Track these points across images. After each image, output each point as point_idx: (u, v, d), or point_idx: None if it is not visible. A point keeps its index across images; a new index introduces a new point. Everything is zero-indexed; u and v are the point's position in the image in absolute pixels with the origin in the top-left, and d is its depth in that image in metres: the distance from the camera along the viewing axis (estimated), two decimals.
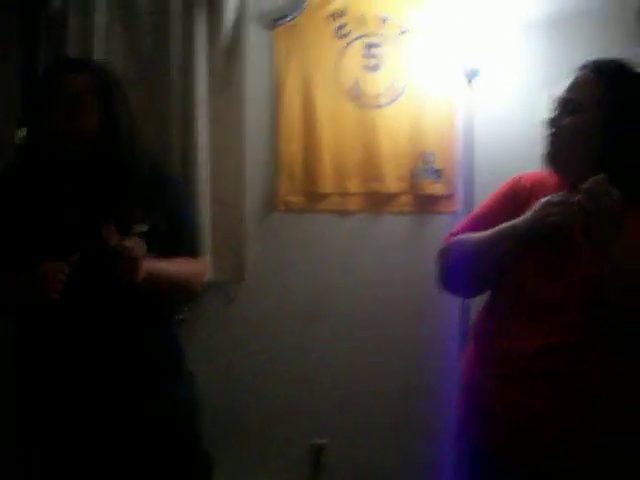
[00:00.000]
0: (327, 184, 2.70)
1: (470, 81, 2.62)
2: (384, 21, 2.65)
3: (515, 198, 1.74)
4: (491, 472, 1.64)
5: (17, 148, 2.00)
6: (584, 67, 1.66)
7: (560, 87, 1.68)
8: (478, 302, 1.85)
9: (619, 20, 2.76)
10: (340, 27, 2.64)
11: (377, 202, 2.75)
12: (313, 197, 2.72)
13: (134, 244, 1.75)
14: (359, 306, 2.77)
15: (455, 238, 1.79)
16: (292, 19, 2.62)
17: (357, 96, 2.67)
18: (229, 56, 2.56)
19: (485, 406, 1.65)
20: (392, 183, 2.72)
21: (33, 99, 1.88)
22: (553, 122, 1.66)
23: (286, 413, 2.78)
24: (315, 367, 2.78)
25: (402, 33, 2.66)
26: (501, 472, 1.61)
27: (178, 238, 1.94)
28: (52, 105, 1.80)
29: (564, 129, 1.63)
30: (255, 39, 2.62)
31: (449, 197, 2.74)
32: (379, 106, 2.68)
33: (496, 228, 1.66)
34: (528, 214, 1.60)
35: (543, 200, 1.59)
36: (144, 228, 1.80)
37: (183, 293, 2.02)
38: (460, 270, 1.75)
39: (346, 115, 2.67)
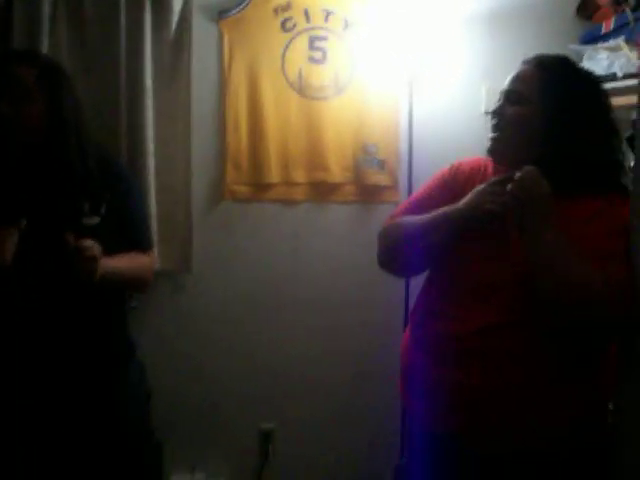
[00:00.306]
0: (273, 174, 2.73)
1: (412, 75, 2.70)
2: (328, 15, 2.70)
3: (453, 183, 1.81)
4: (433, 447, 1.73)
5: None
6: (528, 61, 1.73)
7: (503, 80, 1.74)
8: (420, 287, 1.92)
9: (559, 16, 2.87)
10: (285, 21, 2.67)
11: (322, 192, 2.80)
12: (260, 187, 2.75)
13: (92, 244, 1.77)
14: (306, 293, 2.83)
15: (395, 220, 1.85)
16: (238, 12, 2.64)
17: (302, 88, 2.71)
18: (175, 48, 2.56)
19: (423, 385, 1.72)
20: (337, 173, 2.77)
21: None
22: (496, 112, 1.72)
23: (235, 399, 2.82)
24: (263, 353, 2.82)
25: (346, 27, 2.71)
26: (442, 447, 1.70)
27: (129, 230, 1.98)
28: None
29: (507, 119, 1.69)
30: (201, 31, 2.63)
31: (392, 187, 2.82)
32: (324, 98, 2.73)
33: (434, 212, 1.72)
34: (465, 200, 1.67)
35: (479, 188, 1.66)
36: (95, 220, 1.83)
37: (135, 287, 2.08)
38: (399, 251, 1.82)
39: (291, 107, 2.71)
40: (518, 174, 1.56)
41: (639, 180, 1.53)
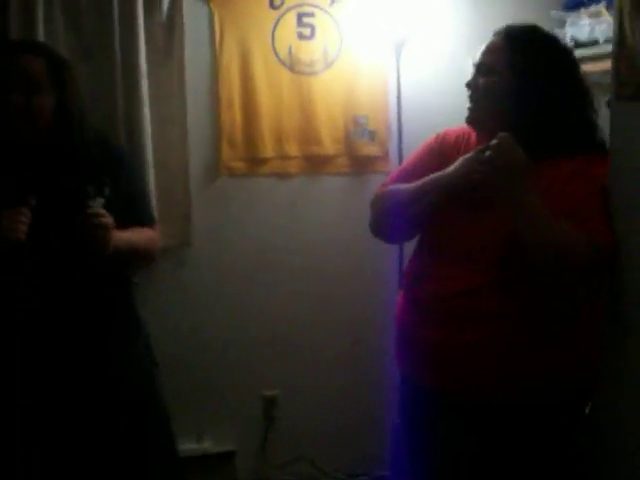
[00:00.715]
0: (267, 149, 2.80)
1: (399, 48, 2.76)
2: None
3: (441, 151, 1.88)
4: (419, 398, 1.84)
5: None
6: (497, 33, 1.79)
7: (477, 52, 1.81)
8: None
9: None
10: None
11: (315, 164, 2.87)
12: (254, 162, 2.81)
13: (104, 212, 1.84)
14: (303, 262, 2.90)
15: (386, 188, 1.93)
16: None
17: (292, 64, 2.77)
18: (168, 29, 2.61)
19: (414, 343, 1.82)
20: (329, 146, 2.85)
21: None
22: (470, 84, 1.80)
23: (238, 368, 2.89)
24: (264, 322, 2.90)
25: (333, 2, 2.77)
26: (431, 399, 1.79)
27: (133, 208, 2.04)
28: (8, 86, 1.85)
29: (479, 90, 1.77)
30: (192, 11, 2.67)
31: (383, 158, 2.90)
32: (314, 73, 2.79)
33: (422, 180, 1.79)
34: (451, 168, 1.74)
35: (466, 156, 1.73)
36: (100, 202, 1.88)
37: (142, 260, 2.17)
38: (390, 218, 1.90)
39: (283, 82, 2.77)
40: (494, 141, 1.62)
41: (616, 149, 1.60)
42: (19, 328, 1.91)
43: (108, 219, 1.86)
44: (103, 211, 1.86)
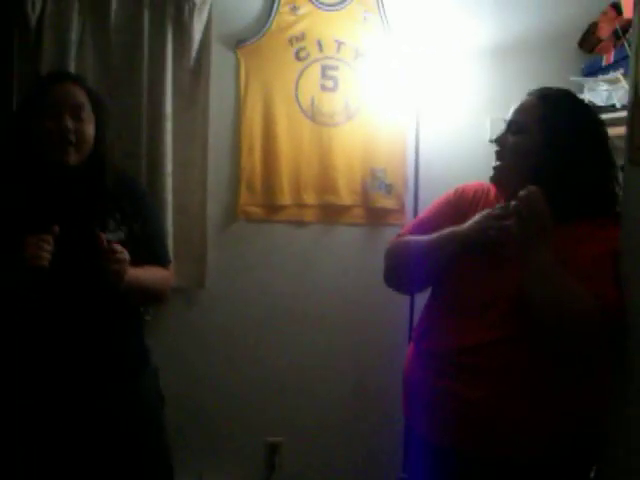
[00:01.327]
0: (285, 196, 2.84)
1: (419, 103, 2.81)
2: (340, 45, 2.82)
3: (458, 206, 1.89)
4: (428, 453, 1.81)
5: None
6: (531, 93, 1.82)
7: (507, 110, 1.83)
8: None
9: (562, 49, 2.97)
10: (299, 50, 2.79)
11: (331, 213, 2.90)
12: (272, 208, 2.85)
13: (122, 248, 1.87)
14: (314, 311, 2.91)
15: (401, 239, 1.95)
16: (255, 41, 2.76)
17: (314, 115, 2.82)
18: (195, 75, 2.68)
19: (423, 398, 1.80)
20: (346, 196, 2.88)
21: (32, 106, 1.94)
22: (499, 141, 1.82)
23: (243, 412, 2.89)
24: (272, 368, 2.90)
25: (357, 57, 2.83)
26: (441, 459, 1.77)
27: (150, 247, 2.07)
28: (60, 111, 1.91)
29: (508, 148, 1.78)
30: (220, 59, 2.74)
31: (398, 210, 2.92)
32: (334, 124, 2.84)
33: (439, 233, 1.80)
34: (469, 223, 1.76)
35: (484, 213, 1.75)
36: (119, 236, 1.93)
37: (154, 298, 2.17)
38: (404, 268, 1.91)
39: (303, 132, 2.82)
40: (522, 192, 1.62)
41: (628, 212, 1.62)
42: (34, 352, 1.93)
43: (124, 255, 1.88)
44: (120, 247, 1.88)
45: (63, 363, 1.93)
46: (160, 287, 2.14)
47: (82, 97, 1.96)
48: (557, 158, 1.72)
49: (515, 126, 1.79)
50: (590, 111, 1.84)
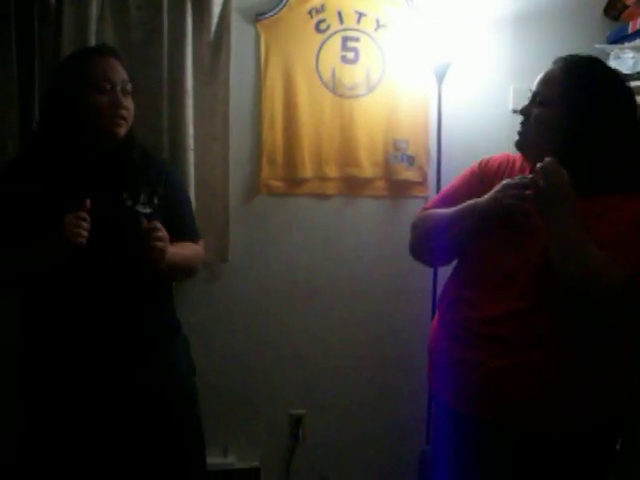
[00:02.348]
0: (307, 169, 2.83)
1: (441, 74, 2.78)
2: (361, 17, 2.79)
3: (482, 177, 1.90)
4: (453, 423, 1.82)
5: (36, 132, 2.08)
6: (556, 61, 1.80)
7: (531, 80, 1.82)
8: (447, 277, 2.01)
9: (586, 16, 2.93)
10: (319, 22, 2.77)
11: (354, 186, 2.89)
12: (294, 181, 2.84)
13: (162, 228, 1.90)
14: (337, 283, 2.92)
15: (426, 212, 1.95)
16: (274, 14, 2.74)
17: (335, 87, 2.81)
18: (215, 48, 2.66)
19: (448, 368, 1.81)
20: (368, 169, 2.87)
21: (82, 79, 1.95)
22: (523, 111, 1.81)
23: (266, 385, 2.91)
24: (295, 341, 2.92)
25: (378, 28, 2.81)
26: (466, 426, 1.78)
27: (179, 222, 2.09)
28: (109, 87, 1.94)
29: (531, 119, 1.78)
30: (239, 33, 2.72)
31: (421, 183, 2.91)
32: (356, 96, 2.82)
33: (461, 206, 1.81)
34: (489, 194, 1.76)
35: (503, 182, 1.75)
36: (148, 210, 1.94)
37: (187, 274, 2.21)
38: (429, 240, 1.92)
39: (325, 105, 2.81)
40: (539, 164, 1.63)
41: None
42: (71, 329, 1.96)
43: (165, 234, 1.91)
44: (160, 225, 1.90)
45: (99, 335, 1.96)
46: (193, 263, 2.17)
47: (125, 73, 2.00)
48: (581, 131, 1.70)
49: (539, 98, 1.78)
50: (617, 80, 1.79)
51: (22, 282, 1.97)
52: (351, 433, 3.00)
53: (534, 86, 1.81)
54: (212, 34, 2.66)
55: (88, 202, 1.85)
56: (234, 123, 2.73)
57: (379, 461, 3.01)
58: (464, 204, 1.82)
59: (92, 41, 2.53)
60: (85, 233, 1.82)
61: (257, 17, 2.76)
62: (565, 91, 1.73)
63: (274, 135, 2.80)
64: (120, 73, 1.99)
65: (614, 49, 2.72)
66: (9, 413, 2.12)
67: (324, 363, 2.96)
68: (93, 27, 2.54)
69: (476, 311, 1.76)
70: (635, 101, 1.78)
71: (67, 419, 1.96)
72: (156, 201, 1.98)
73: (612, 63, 2.68)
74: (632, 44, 2.66)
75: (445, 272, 2.01)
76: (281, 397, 2.95)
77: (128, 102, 1.99)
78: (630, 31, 2.74)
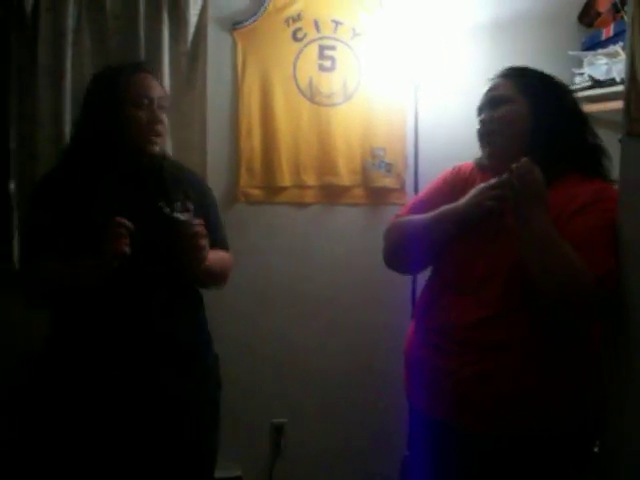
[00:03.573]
0: (285, 177, 2.84)
1: (417, 82, 2.80)
2: (337, 25, 2.81)
3: (455, 184, 1.91)
4: (429, 429, 1.82)
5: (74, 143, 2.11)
6: (495, 76, 1.88)
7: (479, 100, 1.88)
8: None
9: (561, 23, 2.95)
10: (296, 31, 2.78)
11: (332, 194, 2.91)
12: (272, 190, 2.85)
13: (204, 231, 1.93)
14: (317, 291, 2.92)
15: (400, 219, 1.96)
16: (251, 23, 2.75)
17: (312, 95, 2.82)
18: (192, 58, 2.67)
19: (424, 375, 1.81)
20: (345, 176, 2.88)
21: (112, 96, 1.97)
22: (484, 121, 1.84)
23: (247, 394, 2.90)
24: (274, 350, 2.92)
25: (354, 36, 2.83)
26: (441, 433, 1.78)
27: (211, 231, 2.07)
28: (147, 103, 1.97)
29: (495, 121, 1.80)
30: (216, 41, 2.73)
31: (399, 190, 2.93)
32: (333, 104, 2.84)
33: (437, 211, 1.82)
34: (466, 198, 1.77)
35: (479, 186, 1.77)
36: (185, 217, 1.94)
37: (220, 279, 2.19)
38: (403, 247, 1.92)
39: (302, 113, 2.82)
40: (514, 165, 1.65)
41: (626, 185, 1.62)
42: (105, 334, 1.96)
43: (206, 233, 1.94)
44: (203, 228, 1.93)
45: (134, 341, 1.97)
46: (225, 269, 2.18)
47: (161, 89, 2.05)
48: (543, 118, 1.76)
49: (496, 100, 1.82)
50: (553, 78, 1.88)
51: (66, 295, 1.98)
52: (333, 441, 2.99)
53: (482, 100, 1.87)
54: (189, 43, 2.67)
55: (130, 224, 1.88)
56: (212, 132, 2.74)
57: (361, 468, 3.00)
58: (441, 209, 1.82)
59: (69, 51, 2.54)
60: (127, 242, 1.85)
61: (234, 26, 2.77)
62: (520, 87, 1.80)
63: (252, 143, 2.81)
64: (157, 89, 2.03)
65: (588, 55, 2.75)
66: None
67: (304, 371, 2.96)
68: (70, 37, 2.54)
69: (451, 317, 1.77)
70: (570, 90, 1.93)
71: (91, 417, 1.97)
72: (192, 208, 1.98)
73: (586, 69, 2.71)
74: (605, 50, 2.68)
75: (424, 279, 2.01)
76: (262, 406, 2.95)
77: (163, 117, 2.03)
78: (603, 38, 2.77)
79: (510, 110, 1.79)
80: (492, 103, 1.83)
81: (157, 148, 2.02)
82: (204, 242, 1.94)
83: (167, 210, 1.93)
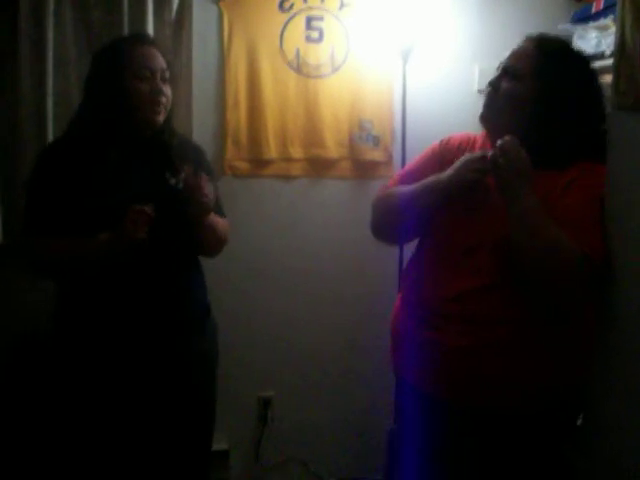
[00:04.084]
0: (271, 150, 2.82)
1: (406, 54, 2.77)
2: None
3: (443, 156, 1.89)
4: (417, 402, 1.83)
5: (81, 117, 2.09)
6: (529, 39, 1.81)
7: (496, 60, 1.83)
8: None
9: None
10: (283, 1, 2.74)
11: (319, 167, 2.89)
12: (259, 162, 2.83)
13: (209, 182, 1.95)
14: (303, 264, 2.92)
15: (387, 190, 1.96)
16: None
17: (300, 67, 2.79)
18: (177, 28, 2.62)
19: (412, 348, 1.81)
20: (333, 149, 2.86)
21: (122, 67, 1.98)
22: (492, 84, 1.81)
23: (234, 367, 2.86)
24: (261, 323, 2.92)
25: (342, 7, 2.78)
26: (430, 406, 1.79)
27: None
28: (149, 74, 1.98)
29: (501, 92, 1.78)
30: (202, 12, 2.69)
31: (386, 163, 2.91)
32: (320, 76, 2.81)
33: (423, 181, 1.81)
34: (450, 170, 1.76)
35: (463, 157, 1.76)
36: (176, 183, 1.97)
37: (219, 245, 2.22)
38: (390, 218, 1.92)
39: (289, 85, 2.79)
40: (499, 142, 1.65)
41: (613, 159, 1.61)
42: (112, 303, 2.00)
43: (212, 188, 1.97)
44: (207, 180, 1.97)
45: (140, 307, 2.01)
46: (225, 234, 2.21)
47: (164, 61, 2.04)
48: (549, 109, 1.72)
49: (511, 71, 1.78)
50: (586, 64, 1.84)
51: (77, 273, 2.01)
52: (320, 414, 3.01)
53: (505, 60, 1.82)
54: (174, 13, 2.63)
55: (151, 206, 1.90)
56: (197, 104, 2.71)
57: (348, 441, 3.02)
58: (426, 180, 1.82)
59: (50, 22, 2.49)
60: (146, 226, 1.88)
61: None
62: (538, 66, 1.74)
63: (238, 115, 2.78)
64: (159, 61, 2.02)
65: (578, 29, 2.72)
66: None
67: (291, 344, 2.96)
68: (51, 7, 2.49)
69: (438, 289, 1.77)
70: (599, 83, 1.82)
71: (99, 385, 2.01)
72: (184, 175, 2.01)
73: (576, 43, 2.68)
74: (596, 24, 2.66)
75: (410, 253, 2.01)
76: (250, 379, 2.95)
77: (167, 89, 2.03)
78: (594, 11, 2.75)
79: (516, 90, 1.76)
80: (506, 71, 1.79)
81: (160, 118, 2.02)
82: (208, 191, 1.96)
83: (173, 181, 1.95)
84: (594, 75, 1.82)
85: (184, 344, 2.09)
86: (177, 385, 2.09)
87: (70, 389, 2.06)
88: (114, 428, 2.03)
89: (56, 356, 2.08)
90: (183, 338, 2.08)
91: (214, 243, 2.17)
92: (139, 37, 2.12)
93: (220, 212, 2.20)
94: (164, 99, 2.01)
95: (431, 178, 1.80)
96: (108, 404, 2.01)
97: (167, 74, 2.04)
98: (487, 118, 1.83)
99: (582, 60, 1.84)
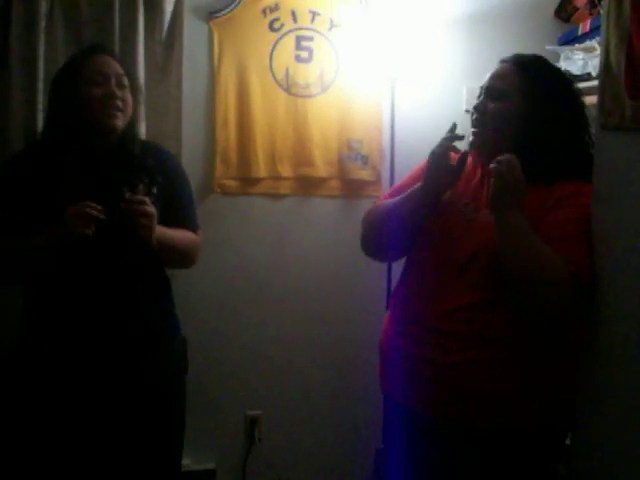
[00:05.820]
0: (261, 169, 2.82)
1: (394, 74, 2.79)
2: (315, 16, 2.79)
3: None
4: (405, 420, 1.83)
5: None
6: (505, 60, 1.83)
7: (483, 80, 1.85)
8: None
9: (538, 17, 2.96)
10: (273, 21, 2.76)
11: (308, 186, 2.89)
12: (247, 181, 2.83)
13: (145, 198, 1.92)
14: (292, 283, 2.91)
15: (373, 205, 1.98)
16: (228, 12, 2.73)
17: (289, 86, 2.80)
18: (167, 47, 2.64)
19: (401, 365, 1.81)
20: (322, 168, 2.87)
21: (78, 74, 2.00)
22: (478, 108, 1.83)
23: (222, 385, 2.89)
24: (250, 341, 2.90)
25: (332, 27, 2.81)
26: (418, 424, 1.79)
27: (179, 211, 2.11)
28: (103, 80, 1.98)
29: (489, 114, 1.79)
30: (192, 31, 2.70)
31: (374, 182, 2.92)
32: (310, 95, 2.82)
33: (405, 192, 1.83)
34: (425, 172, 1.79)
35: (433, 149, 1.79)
36: (151, 197, 1.95)
37: (183, 259, 2.20)
38: (378, 233, 1.93)
39: (278, 104, 2.80)
40: (497, 158, 1.65)
41: (600, 178, 1.63)
42: (71, 322, 1.99)
43: (151, 208, 1.92)
44: (146, 199, 1.93)
45: (99, 328, 1.99)
46: (189, 248, 2.18)
47: (120, 68, 2.05)
48: (538, 124, 1.74)
49: (495, 92, 1.80)
50: (565, 77, 1.88)
51: (22, 271, 2.01)
52: (307, 433, 2.99)
53: (485, 82, 1.83)
54: (164, 32, 2.64)
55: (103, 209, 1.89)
56: (187, 122, 2.71)
57: (335, 461, 3.00)
58: (407, 191, 1.84)
59: (41, 38, 2.49)
60: (92, 223, 1.86)
61: (210, 15, 2.74)
62: (521, 83, 1.77)
63: (227, 134, 2.79)
64: (114, 67, 2.04)
65: (564, 50, 2.75)
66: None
67: (279, 363, 2.95)
68: (42, 24, 2.50)
69: (430, 306, 1.77)
70: (580, 95, 1.85)
71: (60, 405, 1.99)
72: (155, 191, 1.99)
73: (562, 64, 2.71)
74: (582, 45, 2.69)
75: (399, 270, 2.01)
76: (237, 398, 2.94)
77: (125, 95, 2.03)
78: (580, 33, 2.78)
79: (504, 108, 1.78)
80: (490, 93, 1.81)
81: (118, 123, 2.01)
82: (145, 220, 1.92)
83: (128, 195, 1.93)
84: (570, 82, 1.87)
85: (140, 361, 2.06)
86: (135, 402, 2.06)
87: (28, 401, 2.04)
88: (71, 441, 2.01)
89: (18, 366, 2.07)
90: (137, 355, 2.05)
91: (175, 258, 2.15)
92: (94, 47, 2.14)
93: (189, 224, 2.18)
94: (119, 103, 2.00)
95: (411, 188, 1.82)
96: (64, 418, 1.99)
97: (125, 80, 2.05)
98: (479, 144, 1.84)
99: (557, 70, 1.89)
